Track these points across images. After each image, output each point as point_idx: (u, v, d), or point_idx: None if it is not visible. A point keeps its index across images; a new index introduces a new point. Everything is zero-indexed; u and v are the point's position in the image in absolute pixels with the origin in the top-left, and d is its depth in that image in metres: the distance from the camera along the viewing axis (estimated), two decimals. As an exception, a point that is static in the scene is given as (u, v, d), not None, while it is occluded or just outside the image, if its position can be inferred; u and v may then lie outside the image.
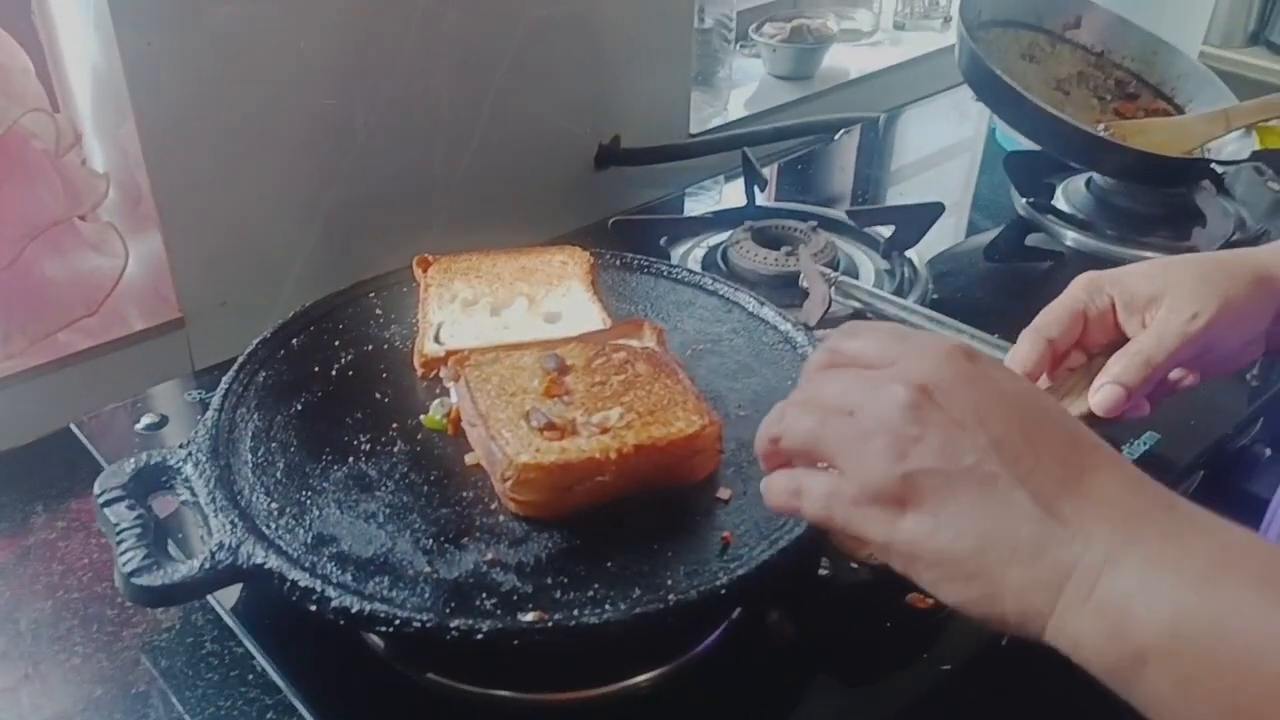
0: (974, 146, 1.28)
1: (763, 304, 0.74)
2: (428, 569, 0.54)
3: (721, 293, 0.76)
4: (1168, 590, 0.39)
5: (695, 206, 1.10)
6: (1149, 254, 0.95)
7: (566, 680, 0.56)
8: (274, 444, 0.61)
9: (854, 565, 0.63)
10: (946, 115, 1.34)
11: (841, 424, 0.45)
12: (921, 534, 0.43)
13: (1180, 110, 1.07)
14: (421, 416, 0.64)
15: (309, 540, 0.55)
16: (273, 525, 0.56)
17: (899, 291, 0.87)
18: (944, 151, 1.29)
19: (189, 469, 0.58)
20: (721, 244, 0.92)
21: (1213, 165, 0.94)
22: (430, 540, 0.56)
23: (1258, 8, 1.48)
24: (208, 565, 0.52)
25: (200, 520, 0.56)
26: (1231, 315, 0.62)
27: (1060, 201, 1.03)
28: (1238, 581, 0.39)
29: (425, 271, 0.74)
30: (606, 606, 0.52)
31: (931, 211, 0.90)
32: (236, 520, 0.55)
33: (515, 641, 0.50)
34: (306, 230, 0.90)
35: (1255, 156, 0.96)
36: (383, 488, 0.59)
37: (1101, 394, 0.62)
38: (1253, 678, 0.37)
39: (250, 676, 0.58)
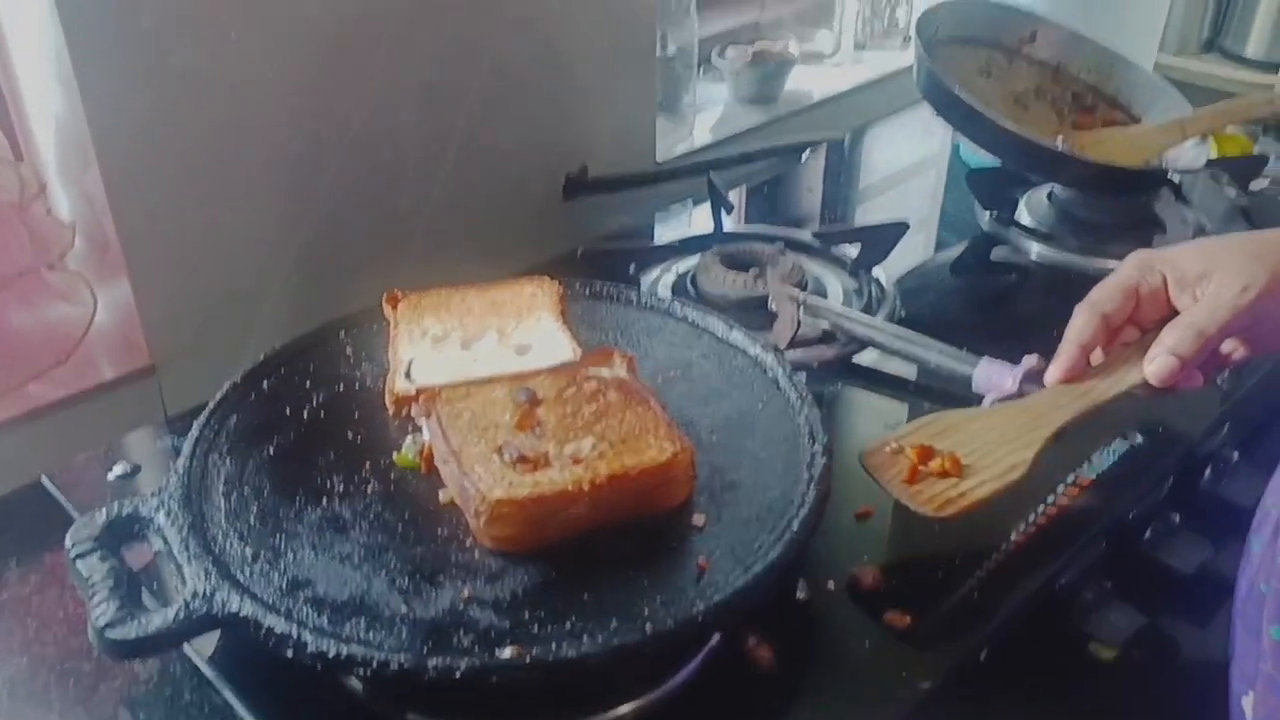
0: (939, 163, 1.30)
1: (732, 328, 0.75)
2: (404, 609, 0.54)
3: (690, 318, 0.77)
4: None
5: (665, 232, 1.11)
6: (1113, 263, 0.96)
7: (548, 714, 0.56)
8: (247, 489, 0.61)
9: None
10: (910, 133, 1.36)
11: None
12: None
13: (1137, 120, 1.09)
14: (394, 455, 0.64)
15: (284, 585, 0.55)
16: (247, 571, 0.55)
17: (867, 310, 0.88)
18: (910, 169, 1.31)
19: (161, 518, 0.57)
20: (690, 269, 0.93)
21: (1170, 174, 0.95)
22: (406, 579, 0.56)
23: (1211, 15, 1.51)
24: (182, 615, 0.52)
25: (174, 569, 0.56)
26: None
27: (1024, 215, 1.04)
28: None
29: (394, 308, 0.74)
30: (584, 639, 0.52)
31: (896, 230, 0.91)
32: (210, 568, 0.54)
33: (494, 678, 0.51)
34: (276, 271, 0.90)
35: (1211, 163, 0.98)
36: (357, 528, 0.59)
37: (1156, 364, 0.65)
38: None
39: (231, 725, 0.57)
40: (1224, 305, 0.64)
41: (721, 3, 1.47)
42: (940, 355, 0.80)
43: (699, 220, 1.14)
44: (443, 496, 0.61)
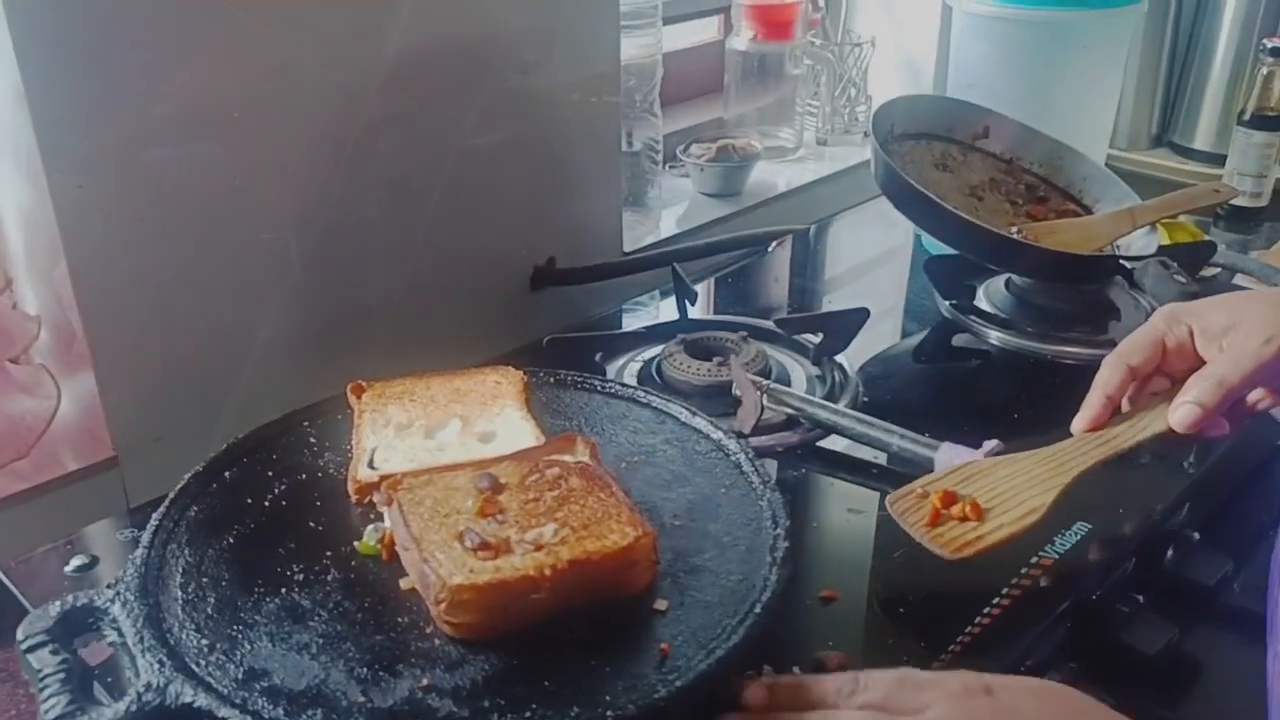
0: (903, 253, 1.32)
1: (695, 414, 0.76)
2: (362, 699, 0.53)
3: (654, 405, 0.78)
4: None
5: (633, 322, 1.12)
6: (1071, 349, 0.99)
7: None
8: (205, 579, 0.60)
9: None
10: (874, 223, 1.39)
11: None
12: None
13: (1089, 210, 1.12)
14: (356, 543, 0.64)
15: (240, 676, 0.54)
16: (203, 662, 0.55)
17: (830, 396, 0.89)
18: (876, 259, 1.34)
19: (116, 609, 0.57)
20: (655, 358, 0.94)
21: (1121, 261, 0.98)
22: (364, 669, 0.55)
23: (1159, 112, 1.56)
24: (134, 707, 0.51)
25: (129, 661, 0.55)
26: None
27: (982, 302, 1.06)
28: None
29: (359, 398, 0.75)
30: (544, 727, 0.51)
31: (857, 317, 0.93)
32: (165, 659, 0.54)
33: (451, 768, 0.50)
34: (243, 363, 0.90)
35: (1161, 251, 1.01)
36: (316, 617, 0.58)
37: (1180, 412, 0.68)
38: None
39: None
40: (1247, 356, 0.67)
41: (685, 101, 1.52)
42: (902, 440, 0.81)
43: (666, 310, 1.15)
44: (404, 584, 0.61)
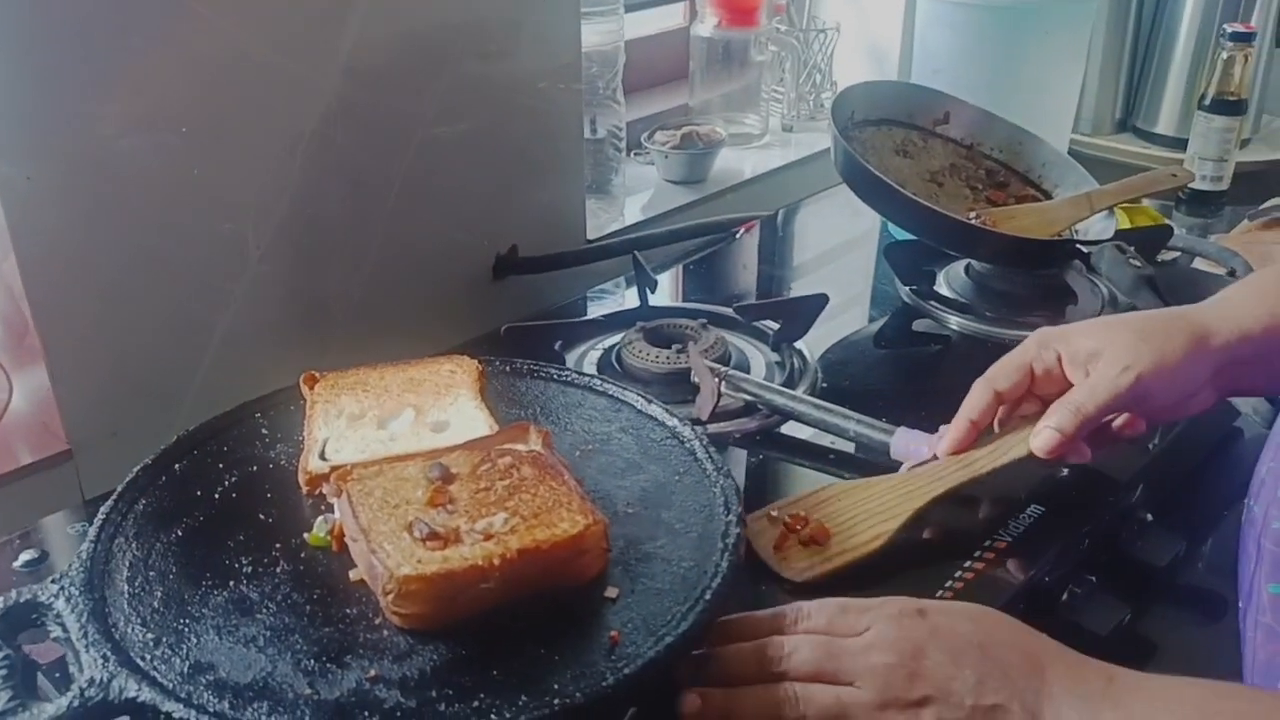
0: (870, 239, 1.33)
1: (651, 402, 0.76)
2: (308, 691, 0.53)
3: (610, 393, 0.78)
4: None
5: (597, 310, 1.12)
6: (1028, 333, 0.98)
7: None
8: (152, 573, 0.60)
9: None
10: (841, 210, 1.39)
11: (856, 697, 0.55)
12: None
13: (1048, 195, 1.12)
14: (305, 535, 0.63)
15: (185, 670, 0.54)
16: (148, 656, 0.54)
17: (788, 383, 0.89)
18: (843, 245, 1.34)
19: (61, 604, 0.56)
20: (615, 345, 0.94)
21: (1078, 246, 0.98)
22: (312, 661, 0.55)
23: (1122, 97, 1.57)
24: (77, 703, 0.51)
25: (73, 657, 0.55)
26: (1165, 372, 0.69)
27: (942, 287, 1.06)
28: None
29: (312, 388, 0.74)
30: (492, 716, 0.51)
31: (816, 303, 0.93)
32: (109, 654, 0.53)
33: (397, 759, 0.50)
34: (199, 356, 0.90)
35: (1118, 235, 1.01)
36: (264, 610, 0.58)
37: (1040, 438, 0.70)
38: None
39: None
40: (1104, 386, 0.69)
41: (649, 88, 1.52)
42: (859, 425, 0.81)
43: (632, 298, 1.15)
44: (353, 575, 0.60)
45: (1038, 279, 1.02)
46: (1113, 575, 0.76)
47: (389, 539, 0.58)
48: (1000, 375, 0.73)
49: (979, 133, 1.15)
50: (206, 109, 0.84)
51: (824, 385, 0.91)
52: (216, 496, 0.67)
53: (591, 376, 0.80)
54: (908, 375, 1.00)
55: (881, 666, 0.55)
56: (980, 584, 0.70)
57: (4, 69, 0.74)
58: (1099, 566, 0.77)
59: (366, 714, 0.52)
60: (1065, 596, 0.74)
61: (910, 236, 1.07)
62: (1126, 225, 1.12)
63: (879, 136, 1.11)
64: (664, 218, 1.29)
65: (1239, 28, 1.31)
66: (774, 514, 0.72)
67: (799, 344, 0.94)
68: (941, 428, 0.79)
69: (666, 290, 1.15)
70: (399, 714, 0.52)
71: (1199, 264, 1.16)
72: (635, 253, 1.03)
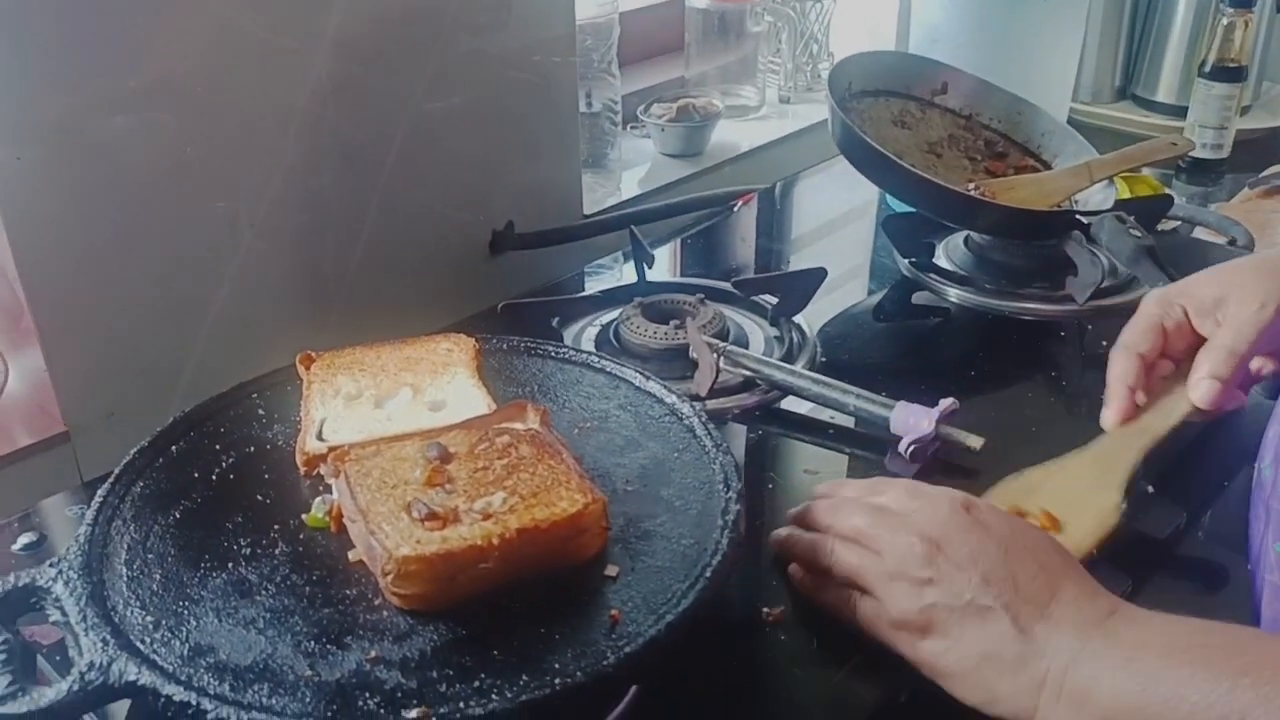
0: (869, 211, 1.32)
1: (649, 379, 0.75)
2: (309, 672, 0.53)
3: (608, 369, 0.77)
4: (1108, 676, 0.53)
5: (595, 285, 1.12)
6: (1029, 304, 0.99)
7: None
8: (150, 555, 0.60)
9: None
10: (839, 182, 1.38)
11: (874, 563, 0.60)
12: (937, 654, 0.57)
13: (1047, 165, 1.12)
14: (304, 516, 0.63)
15: (185, 652, 0.54)
16: (148, 639, 0.54)
17: (787, 357, 0.89)
18: (841, 218, 1.33)
19: (59, 588, 0.56)
20: (613, 322, 0.93)
21: (1078, 216, 0.98)
22: (312, 642, 0.55)
23: (1122, 65, 1.56)
24: (77, 687, 0.51)
25: (72, 641, 0.54)
26: None
27: (941, 259, 1.06)
28: (1154, 661, 0.52)
29: (308, 368, 0.74)
30: (493, 696, 0.51)
31: (814, 277, 0.92)
32: (109, 637, 0.53)
33: (399, 740, 0.50)
34: (195, 336, 0.89)
35: (1118, 205, 1.01)
36: (263, 592, 0.58)
37: (1200, 389, 0.71)
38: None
39: (136, 800, 0.56)
40: (1248, 323, 0.70)
41: (645, 60, 1.50)
42: (858, 399, 0.81)
43: (629, 273, 1.14)
44: (352, 556, 0.60)
45: (1037, 250, 1.02)
46: (1113, 547, 0.76)
47: (387, 519, 0.58)
48: (1138, 338, 0.73)
49: (977, 103, 1.14)
50: (197, 86, 0.83)
51: (823, 359, 0.91)
52: (214, 478, 0.67)
53: (589, 353, 0.79)
54: (907, 348, 1.00)
55: (905, 543, 0.58)
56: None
57: (-9, 47, 0.73)
58: (1099, 539, 0.77)
59: (367, 695, 0.52)
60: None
61: (909, 209, 1.07)
62: (1126, 195, 1.11)
63: (877, 108, 1.10)
64: (661, 191, 1.28)
65: (1239, -7, 1.29)
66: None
67: (798, 318, 0.94)
68: (941, 400, 0.78)
69: (664, 265, 1.15)
70: (400, 694, 0.52)
71: (1199, 233, 1.15)
72: (632, 227, 1.03)
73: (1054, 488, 0.71)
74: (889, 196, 1.24)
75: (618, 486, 0.66)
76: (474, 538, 0.57)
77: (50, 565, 0.57)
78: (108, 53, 0.78)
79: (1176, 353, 0.74)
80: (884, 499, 0.63)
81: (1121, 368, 0.73)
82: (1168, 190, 1.17)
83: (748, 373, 0.84)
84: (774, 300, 0.94)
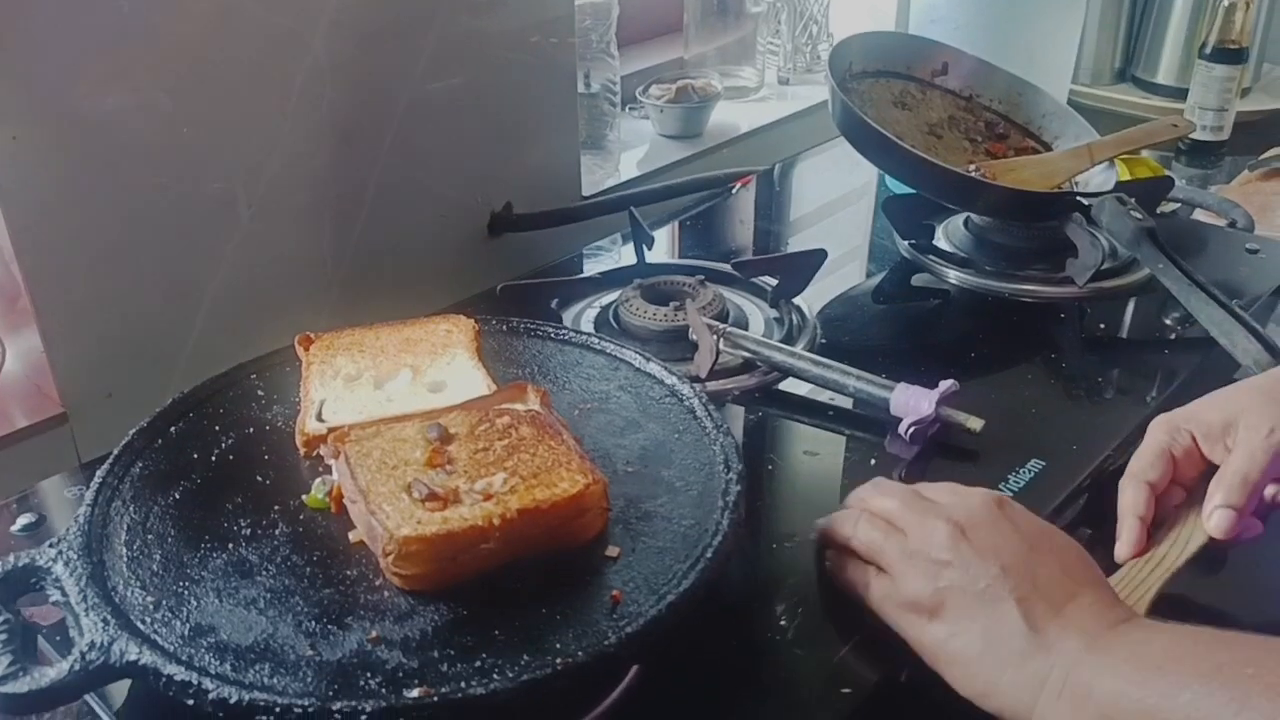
0: (868, 192, 1.32)
1: (648, 359, 0.75)
2: (310, 652, 0.53)
3: (608, 351, 0.77)
4: (1110, 683, 0.52)
5: (594, 267, 1.11)
6: (1028, 286, 0.99)
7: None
8: (150, 536, 0.60)
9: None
10: (839, 163, 1.37)
11: (897, 541, 0.60)
12: (942, 637, 0.57)
13: (1048, 147, 1.11)
14: (304, 497, 0.63)
15: (186, 632, 0.54)
16: (148, 620, 0.54)
17: (787, 339, 0.89)
18: (841, 199, 1.32)
19: (59, 568, 0.56)
20: (612, 303, 0.93)
21: (1078, 198, 0.97)
22: (313, 622, 0.55)
23: (1122, 47, 1.55)
24: (78, 666, 0.51)
25: (73, 621, 0.54)
26: None
27: (941, 241, 1.06)
28: (1159, 662, 0.52)
29: (307, 349, 0.74)
30: (494, 676, 0.51)
31: (814, 258, 0.92)
32: (109, 617, 0.53)
33: (400, 719, 0.50)
34: (193, 316, 0.89)
35: (1118, 187, 1.00)
36: (264, 572, 0.58)
37: (1215, 519, 0.68)
38: None
39: (138, 779, 0.56)
40: (1259, 449, 0.68)
41: (644, 41, 1.50)
42: (858, 381, 0.81)
43: (628, 255, 1.14)
44: (352, 537, 0.60)
45: (1038, 232, 1.01)
46: (1112, 529, 0.76)
47: (388, 500, 0.58)
48: (1146, 467, 0.71)
49: (978, 84, 1.13)
50: (194, 66, 0.83)
51: (823, 341, 0.91)
52: (213, 459, 0.66)
53: (589, 335, 0.79)
54: (907, 330, 1.00)
55: (929, 525, 0.59)
56: (980, 538, 0.70)
57: (-14, 26, 0.72)
58: (1096, 521, 0.77)
59: (369, 675, 0.52)
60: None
61: (908, 190, 1.06)
62: (1126, 177, 1.10)
63: (877, 88, 1.10)
64: (660, 173, 1.28)
65: (1241, -26, 1.29)
66: None
67: (797, 300, 0.94)
68: (941, 382, 0.78)
69: (662, 246, 1.14)
70: (401, 674, 0.52)
71: (1199, 215, 1.15)
72: (632, 209, 1.02)
73: None
74: (888, 178, 1.24)
75: (618, 468, 0.66)
76: (475, 518, 0.57)
77: (50, 545, 0.57)
78: (104, 31, 0.78)
79: (1187, 480, 0.72)
80: (923, 490, 0.64)
81: (1131, 498, 0.71)
82: (1168, 172, 1.16)
83: (747, 354, 0.84)
84: (774, 282, 0.94)
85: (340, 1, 0.89)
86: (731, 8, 1.42)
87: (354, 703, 0.49)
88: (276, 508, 0.62)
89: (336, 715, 0.49)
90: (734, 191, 1.26)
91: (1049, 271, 0.99)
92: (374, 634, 0.54)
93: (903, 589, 0.59)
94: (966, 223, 1.07)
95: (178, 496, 0.63)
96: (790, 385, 0.86)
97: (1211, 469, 0.70)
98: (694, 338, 0.85)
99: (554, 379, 0.75)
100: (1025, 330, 0.97)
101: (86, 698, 0.56)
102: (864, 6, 1.56)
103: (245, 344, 0.80)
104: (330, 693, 0.50)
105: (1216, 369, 0.89)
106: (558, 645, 0.53)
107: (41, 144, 0.77)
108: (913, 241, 1.04)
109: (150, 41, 0.80)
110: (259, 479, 0.65)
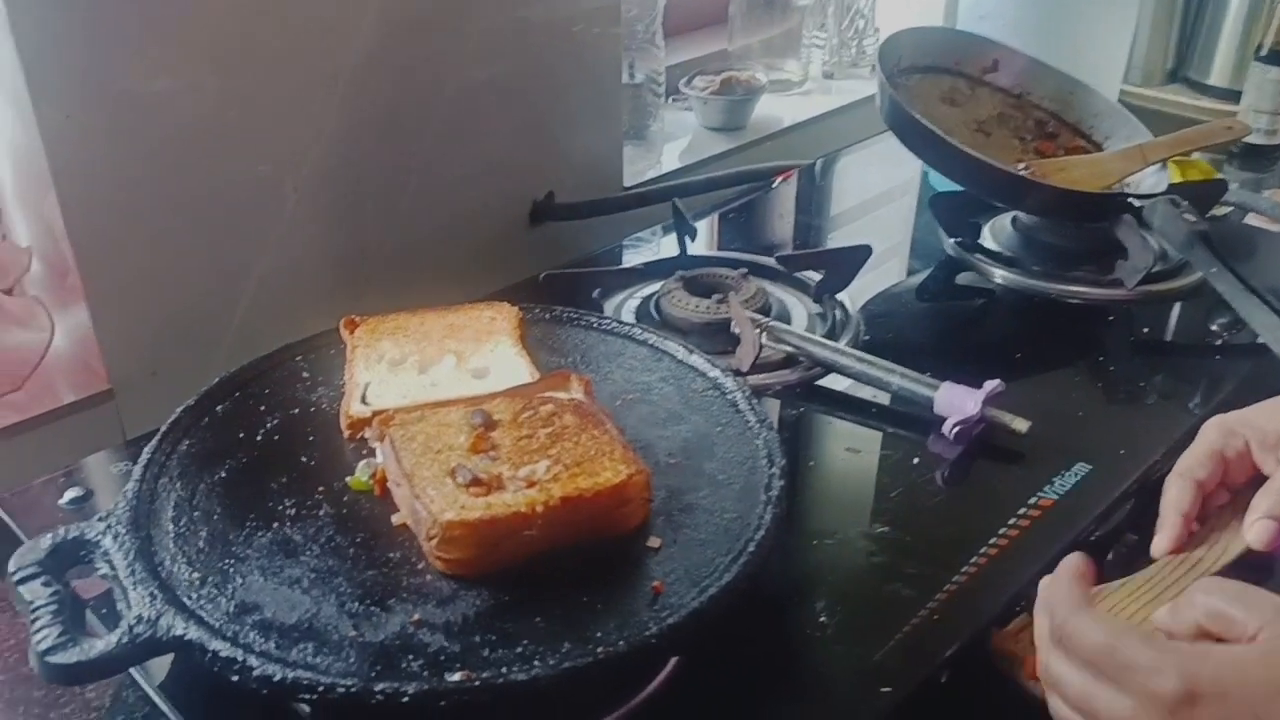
0: (911, 189, 1.30)
1: (691, 351, 0.75)
2: (353, 633, 0.53)
3: (651, 342, 0.77)
4: None
5: (634, 258, 1.11)
6: (1076, 288, 0.98)
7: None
8: (197, 513, 0.60)
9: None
10: (883, 159, 1.36)
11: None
12: None
13: (1099, 147, 1.10)
14: (348, 479, 0.63)
15: (231, 609, 0.54)
16: (194, 596, 0.55)
17: (830, 335, 0.88)
18: (883, 195, 1.31)
19: (108, 542, 0.57)
20: (654, 294, 0.93)
21: (1130, 199, 0.96)
22: (356, 603, 0.55)
23: (1174, 47, 1.53)
24: (125, 639, 0.51)
25: (120, 594, 0.55)
26: None
27: (987, 240, 1.04)
28: None
29: (352, 332, 0.74)
30: (535, 663, 0.51)
31: (859, 254, 0.91)
32: (156, 592, 0.54)
33: (442, 703, 0.50)
34: (238, 297, 0.90)
35: (1171, 189, 0.99)
36: (308, 552, 0.58)
37: (1255, 529, 0.66)
38: None
39: (179, 753, 0.56)
40: None
41: (689, 32, 1.49)
42: (902, 379, 0.80)
43: (668, 246, 1.14)
44: (395, 520, 0.60)
45: (1087, 233, 1.00)
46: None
47: (432, 484, 0.58)
48: (1195, 465, 0.69)
49: (1028, 82, 1.12)
50: (242, 51, 0.83)
51: (866, 338, 0.90)
52: (259, 438, 0.67)
53: (632, 325, 0.79)
54: (951, 329, 0.99)
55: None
56: (1026, 541, 0.69)
57: (41, 8, 0.73)
58: (1142, 526, 0.76)
59: (411, 657, 0.52)
60: (1110, 555, 0.73)
61: (954, 187, 1.05)
62: (1178, 179, 1.09)
63: (925, 84, 1.09)
64: (702, 165, 1.27)
65: (1300, -25, 1.26)
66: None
67: (840, 296, 0.93)
68: (986, 382, 0.78)
69: (702, 238, 1.14)
70: (443, 658, 0.52)
71: (1251, 219, 1.13)
72: (675, 200, 1.02)
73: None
74: (931, 175, 1.23)
75: (660, 459, 0.66)
76: (518, 505, 0.57)
77: (99, 519, 0.58)
78: (155, 15, 0.78)
79: (1235, 484, 0.70)
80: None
81: (1176, 495, 0.69)
82: (1220, 175, 1.14)
83: (790, 349, 0.84)
84: (817, 276, 0.93)
85: (389, -11, 0.89)
86: (777, 1, 1.41)
87: (396, 684, 0.50)
88: (321, 489, 0.63)
89: (379, 696, 0.49)
90: (774, 186, 1.25)
91: (1097, 273, 0.98)
92: (416, 617, 0.54)
93: None
94: (1014, 222, 1.06)
95: (224, 475, 0.63)
96: (831, 381, 0.85)
97: (1260, 477, 0.68)
98: (736, 331, 0.85)
99: (596, 368, 0.75)
100: (1072, 332, 0.96)
101: (131, 671, 0.57)
102: (911, 1, 1.55)
103: (289, 326, 0.81)
104: (373, 674, 0.51)
105: (1267, 376, 0.88)
106: (599, 634, 0.53)
107: (94, 123, 0.78)
108: (959, 239, 1.03)
109: (200, 24, 0.81)
110: (303, 460, 0.65)
